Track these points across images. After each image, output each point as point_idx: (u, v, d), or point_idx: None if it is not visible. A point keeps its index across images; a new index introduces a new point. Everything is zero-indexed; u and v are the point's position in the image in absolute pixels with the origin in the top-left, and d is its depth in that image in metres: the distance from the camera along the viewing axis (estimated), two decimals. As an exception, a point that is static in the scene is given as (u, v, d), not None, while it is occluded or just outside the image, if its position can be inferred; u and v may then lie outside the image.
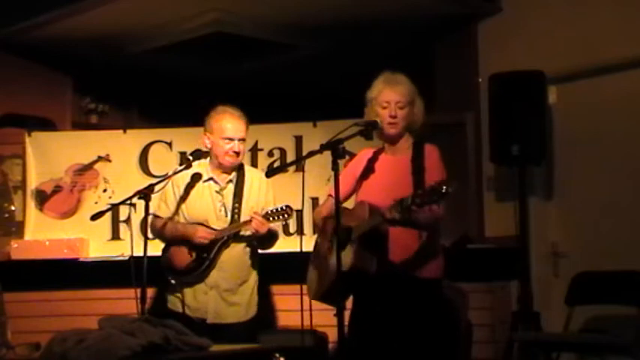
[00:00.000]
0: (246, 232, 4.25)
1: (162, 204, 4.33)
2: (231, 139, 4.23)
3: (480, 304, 5.16)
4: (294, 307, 3.77)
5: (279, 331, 4.80)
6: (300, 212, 5.43)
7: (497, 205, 5.83)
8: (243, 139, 4.27)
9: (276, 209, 4.19)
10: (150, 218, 4.25)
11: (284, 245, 5.52)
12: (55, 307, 5.41)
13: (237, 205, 4.27)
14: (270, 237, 4.33)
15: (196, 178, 4.31)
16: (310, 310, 3.71)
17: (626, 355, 4.62)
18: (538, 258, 5.64)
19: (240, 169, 4.36)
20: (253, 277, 4.36)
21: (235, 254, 4.28)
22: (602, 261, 5.24)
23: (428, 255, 3.67)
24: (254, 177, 4.39)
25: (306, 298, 3.75)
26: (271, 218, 4.17)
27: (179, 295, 4.26)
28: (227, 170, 4.31)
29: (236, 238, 4.26)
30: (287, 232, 5.78)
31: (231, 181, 4.32)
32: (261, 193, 4.33)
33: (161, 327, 3.06)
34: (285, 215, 4.18)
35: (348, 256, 3.54)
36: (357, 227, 3.59)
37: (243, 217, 4.25)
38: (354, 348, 3.60)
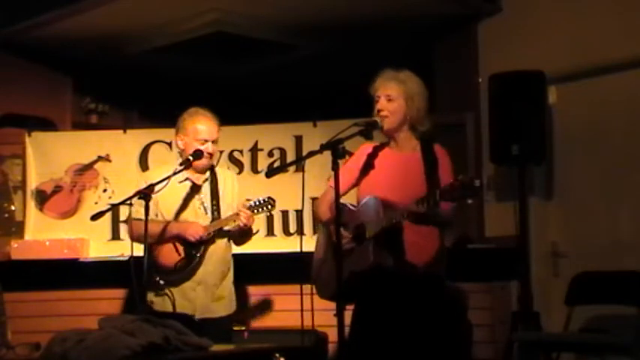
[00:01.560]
0: (226, 227, 4.32)
1: (140, 207, 4.28)
2: (205, 141, 4.31)
3: (480, 304, 5.16)
4: (294, 307, 3.77)
5: (279, 331, 4.80)
6: (300, 212, 5.44)
7: (497, 205, 5.83)
8: (215, 141, 4.35)
9: (259, 201, 4.28)
10: (128, 222, 4.31)
11: (284, 245, 5.54)
12: (55, 307, 5.41)
13: (214, 202, 4.34)
14: (250, 232, 4.41)
15: (195, 189, 4.37)
16: (313, 309, 3.70)
17: (626, 355, 4.62)
18: (538, 258, 5.64)
19: (211, 168, 4.44)
20: (231, 273, 4.45)
21: (218, 250, 4.34)
22: (602, 261, 5.24)
23: (443, 254, 3.69)
24: (226, 176, 4.49)
25: (306, 298, 3.74)
26: (256, 210, 4.26)
27: (169, 294, 4.27)
28: (200, 171, 4.37)
29: (220, 233, 4.32)
30: (287, 232, 5.79)
31: (206, 180, 4.39)
32: (235, 190, 4.43)
33: (161, 327, 3.06)
34: (269, 206, 4.29)
35: (363, 254, 3.53)
36: (372, 224, 3.58)
37: (223, 215, 4.33)
38: (360, 347, 3.60)
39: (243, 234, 4.37)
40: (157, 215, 4.34)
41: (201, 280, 4.29)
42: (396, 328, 3.59)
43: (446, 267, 3.76)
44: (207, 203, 4.35)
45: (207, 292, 4.30)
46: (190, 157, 4.27)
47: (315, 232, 4.09)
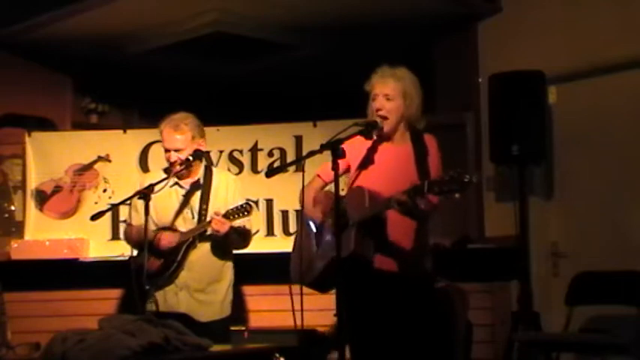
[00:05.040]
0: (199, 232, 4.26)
1: (133, 212, 4.35)
2: (167, 150, 4.28)
3: (480, 304, 5.16)
4: (294, 307, 3.77)
5: (277, 331, 4.80)
6: (300, 212, 5.43)
7: (497, 205, 5.83)
8: (179, 150, 4.25)
9: (236, 207, 4.15)
10: (122, 226, 4.27)
11: (284, 245, 5.53)
12: (55, 307, 5.41)
13: (204, 206, 4.28)
14: (240, 235, 4.30)
15: (183, 193, 4.34)
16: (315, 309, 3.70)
17: (626, 355, 4.62)
18: (538, 258, 5.64)
19: (207, 171, 4.39)
20: (227, 277, 4.37)
21: (204, 255, 4.28)
22: (602, 261, 5.24)
23: (423, 250, 3.68)
24: (221, 179, 4.41)
25: (305, 298, 3.74)
26: (231, 216, 4.14)
27: (152, 300, 4.26)
28: (186, 175, 4.33)
29: (203, 238, 4.25)
30: (287, 232, 5.79)
31: (196, 183, 4.34)
32: (229, 194, 4.33)
33: (161, 327, 3.06)
34: (246, 212, 4.14)
35: (345, 241, 3.49)
36: (356, 213, 3.57)
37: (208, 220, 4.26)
38: (351, 343, 3.60)
39: (231, 238, 4.25)
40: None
41: (183, 285, 4.26)
42: (373, 321, 3.60)
43: (432, 265, 3.74)
44: (196, 207, 4.30)
45: (190, 297, 4.26)
46: (190, 157, 4.26)
47: (297, 215, 4.07)
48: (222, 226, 4.13)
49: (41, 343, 4.05)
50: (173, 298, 4.27)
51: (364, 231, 3.54)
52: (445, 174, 3.30)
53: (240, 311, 4.58)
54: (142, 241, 4.18)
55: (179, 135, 4.26)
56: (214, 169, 4.50)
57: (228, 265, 4.40)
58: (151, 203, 4.20)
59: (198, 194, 4.33)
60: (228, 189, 4.37)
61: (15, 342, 4.63)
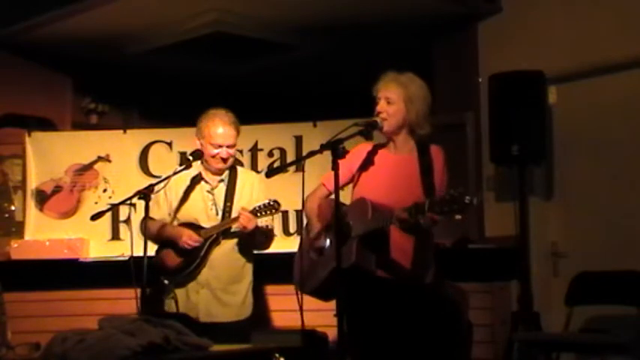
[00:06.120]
0: (237, 229, 4.26)
1: (154, 206, 4.34)
2: (220, 146, 4.27)
3: (480, 304, 5.15)
4: (293, 307, 3.77)
5: (278, 331, 4.80)
6: (300, 212, 5.44)
7: (497, 205, 5.83)
8: (231, 146, 4.30)
9: (263, 204, 4.18)
10: (143, 221, 4.28)
11: (284, 245, 5.53)
12: (55, 307, 5.40)
13: (228, 204, 4.30)
14: (264, 236, 4.32)
15: (197, 180, 4.35)
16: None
17: (626, 355, 4.62)
18: (538, 258, 5.64)
19: (232, 169, 4.40)
20: (247, 277, 4.38)
21: (226, 253, 4.29)
22: (602, 261, 5.24)
23: (426, 258, 3.67)
24: (246, 178, 4.43)
25: (305, 298, 3.75)
26: (259, 213, 4.16)
27: (173, 295, 4.26)
28: (215, 172, 4.35)
29: (227, 235, 4.27)
30: (287, 232, 5.80)
31: (222, 180, 4.36)
32: (254, 194, 4.35)
33: (161, 327, 3.06)
34: (273, 210, 4.17)
35: (346, 252, 3.51)
36: (358, 225, 3.58)
37: (234, 216, 4.27)
38: (355, 350, 3.61)
39: (256, 238, 4.28)
40: (169, 215, 4.34)
41: (205, 283, 4.26)
42: (374, 331, 3.60)
43: (437, 270, 3.73)
44: (220, 204, 4.31)
45: (211, 295, 4.27)
46: (190, 157, 4.27)
47: (303, 225, 4.08)
48: (250, 223, 4.14)
49: (41, 343, 4.04)
50: (194, 295, 4.27)
51: (366, 244, 3.54)
52: (446, 193, 3.31)
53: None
54: (160, 237, 4.23)
55: (232, 131, 4.29)
56: (239, 168, 4.51)
57: (249, 266, 4.39)
58: (172, 197, 4.27)
59: (222, 192, 4.33)
60: (253, 188, 4.38)
61: (15, 342, 4.63)
